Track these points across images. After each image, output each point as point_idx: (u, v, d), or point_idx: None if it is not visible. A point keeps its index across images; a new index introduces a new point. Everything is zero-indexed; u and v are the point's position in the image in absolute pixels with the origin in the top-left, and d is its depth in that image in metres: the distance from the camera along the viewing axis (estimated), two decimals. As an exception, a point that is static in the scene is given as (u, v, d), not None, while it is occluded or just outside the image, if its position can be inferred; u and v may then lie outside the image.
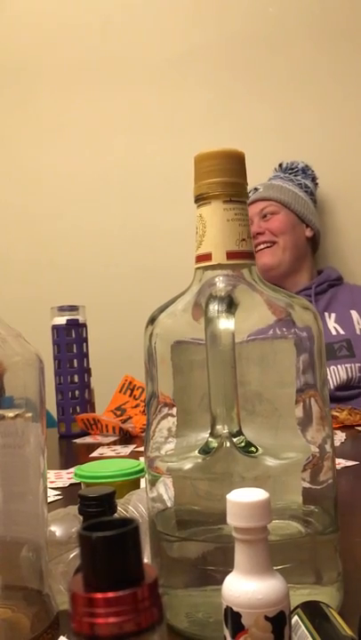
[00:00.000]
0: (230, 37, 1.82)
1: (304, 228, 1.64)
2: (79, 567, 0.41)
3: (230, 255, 0.46)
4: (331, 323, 1.53)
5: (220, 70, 1.83)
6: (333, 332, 1.51)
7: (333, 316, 1.54)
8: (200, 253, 0.47)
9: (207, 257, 0.46)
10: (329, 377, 1.45)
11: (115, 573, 0.20)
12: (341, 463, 0.89)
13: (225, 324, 0.43)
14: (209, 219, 0.46)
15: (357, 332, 1.51)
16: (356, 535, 0.60)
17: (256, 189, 1.63)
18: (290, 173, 1.68)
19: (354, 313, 1.54)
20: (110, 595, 0.19)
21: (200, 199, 0.47)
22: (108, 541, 0.20)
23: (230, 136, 1.74)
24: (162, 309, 0.49)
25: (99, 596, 0.19)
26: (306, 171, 1.69)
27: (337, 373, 1.45)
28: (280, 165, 1.71)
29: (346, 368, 1.46)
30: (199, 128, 1.81)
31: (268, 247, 1.59)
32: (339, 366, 1.46)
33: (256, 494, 0.33)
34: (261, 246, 1.59)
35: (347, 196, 1.76)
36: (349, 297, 1.58)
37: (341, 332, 1.51)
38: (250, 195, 1.63)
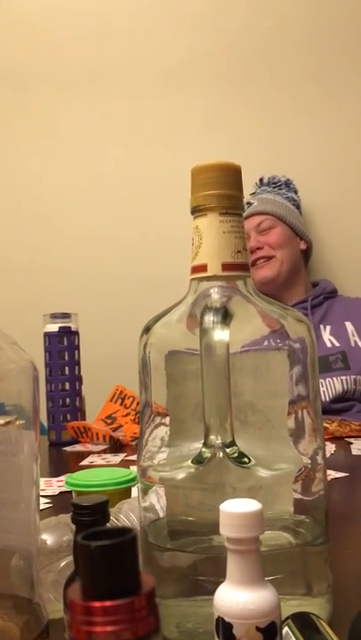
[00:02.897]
0: (226, 50, 1.84)
1: (298, 240, 1.66)
2: (71, 576, 0.42)
3: (226, 267, 0.46)
4: (326, 335, 1.53)
5: (215, 82, 1.85)
6: (329, 345, 1.51)
7: (329, 328, 1.55)
8: (196, 264, 0.47)
9: (203, 268, 0.47)
10: (325, 389, 1.45)
11: (113, 582, 0.20)
12: (331, 474, 0.89)
13: (220, 335, 0.43)
14: (205, 230, 0.47)
15: (352, 343, 1.52)
16: (346, 547, 0.61)
17: (250, 203, 1.64)
18: (273, 187, 1.69)
19: (348, 324, 1.55)
20: (108, 603, 0.20)
21: (196, 211, 0.47)
22: (106, 550, 0.20)
23: (225, 147, 1.76)
24: (157, 319, 0.49)
25: (97, 604, 0.20)
26: (289, 184, 1.71)
27: (333, 385, 1.46)
28: (260, 180, 1.72)
29: (341, 380, 1.46)
30: (194, 138, 1.83)
31: (266, 261, 1.59)
32: (334, 378, 1.46)
33: (249, 505, 0.33)
34: (261, 261, 1.59)
35: (338, 209, 1.78)
36: (344, 309, 1.59)
37: (336, 344, 1.51)
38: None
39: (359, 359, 1.49)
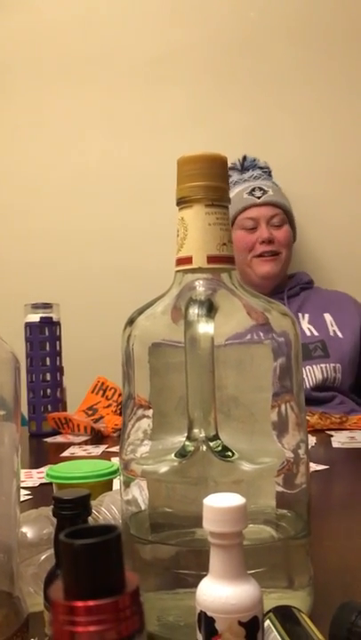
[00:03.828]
0: (211, 40, 1.82)
1: (292, 242, 1.66)
2: (51, 570, 0.41)
3: (211, 259, 0.46)
4: (305, 324, 1.54)
5: (199, 72, 1.83)
6: (308, 334, 1.52)
7: (307, 316, 1.56)
8: (181, 256, 0.47)
9: (188, 260, 0.46)
10: (305, 377, 1.46)
11: (96, 581, 0.20)
12: (312, 467, 0.90)
13: (204, 327, 0.43)
14: (190, 222, 0.46)
15: (331, 333, 1.53)
16: (326, 539, 0.61)
17: (263, 190, 1.60)
18: (262, 171, 1.67)
19: (327, 316, 1.56)
20: (91, 603, 0.19)
21: (182, 202, 0.47)
22: (90, 549, 0.20)
23: (207, 139, 1.75)
24: (141, 311, 0.49)
25: (79, 604, 0.19)
26: (271, 173, 1.69)
27: (313, 373, 1.47)
28: (244, 158, 1.67)
29: (321, 368, 1.48)
30: (177, 129, 1.81)
31: (273, 256, 1.57)
32: (314, 366, 1.48)
33: (232, 499, 0.33)
34: (267, 255, 1.57)
35: (318, 203, 1.78)
36: (322, 300, 1.60)
37: (316, 333, 1.52)
38: (256, 194, 1.61)
39: (338, 348, 1.51)
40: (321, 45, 1.78)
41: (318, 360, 1.48)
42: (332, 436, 1.16)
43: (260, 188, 1.60)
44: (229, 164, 1.66)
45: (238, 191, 1.61)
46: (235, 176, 1.66)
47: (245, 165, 1.68)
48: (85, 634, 0.19)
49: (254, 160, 1.69)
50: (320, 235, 1.78)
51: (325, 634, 0.37)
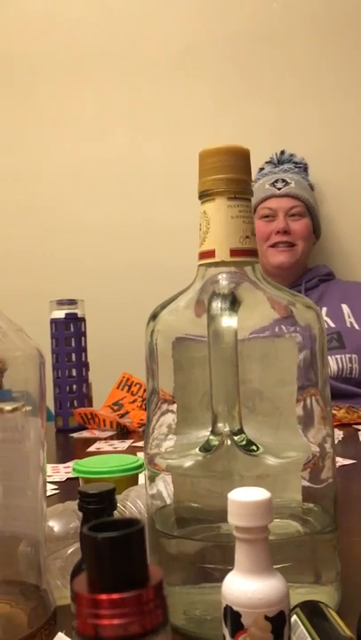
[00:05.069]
0: (233, 33, 1.81)
1: (313, 237, 1.65)
2: (78, 563, 0.41)
3: (234, 253, 0.46)
4: (323, 316, 1.54)
5: (222, 66, 1.82)
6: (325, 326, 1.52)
7: (325, 309, 1.55)
8: (203, 250, 0.47)
9: (210, 254, 0.46)
10: None
11: (120, 575, 0.20)
12: (339, 461, 0.89)
13: (228, 321, 0.43)
14: (213, 215, 0.46)
15: (348, 324, 1.52)
16: (355, 534, 0.60)
17: (286, 182, 1.60)
18: (295, 166, 1.66)
19: (345, 307, 1.55)
20: (115, 596, 0.19)
21: (204, 195, 0.47)
22: (113, 542, 0.20)
23: (231, 132, 1.74)
24: (164, 306, 0.48)
25: (103, 597, 0.19)
26: (307, 169, 1.69)
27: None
28: (282, 153, 1.68)
29: (336, 359, 1.47)
30: (200, 123, 1.81)
31: (288, 247, 1.57)
32: (329, 357, 1.47)
33: (258, 494, 0.33)
34: (282, 246, 1.57)
35: (344, 194, 1.76)
36: (341, 291, 1.59)
37: (332, 324, 1.52)
38: (277, 185, 1.60)
39: (354, 339, 1.50)
40: (344, 35, 1.76)
41: (334, 351, 1.48)
42: (359, 430, 1.15)
43: (283, 180, 1.60)
44: (267, 158, 1.68)
45: (262, 182, 1.62)
46: (268, 168, 1.66)
47: (282, 160, 1.68)
48: (109, 627, 0.19)
49: (291, 155, 1.68)
50: (345, 226, 1.76)
51: (353, 629, 0.36)
